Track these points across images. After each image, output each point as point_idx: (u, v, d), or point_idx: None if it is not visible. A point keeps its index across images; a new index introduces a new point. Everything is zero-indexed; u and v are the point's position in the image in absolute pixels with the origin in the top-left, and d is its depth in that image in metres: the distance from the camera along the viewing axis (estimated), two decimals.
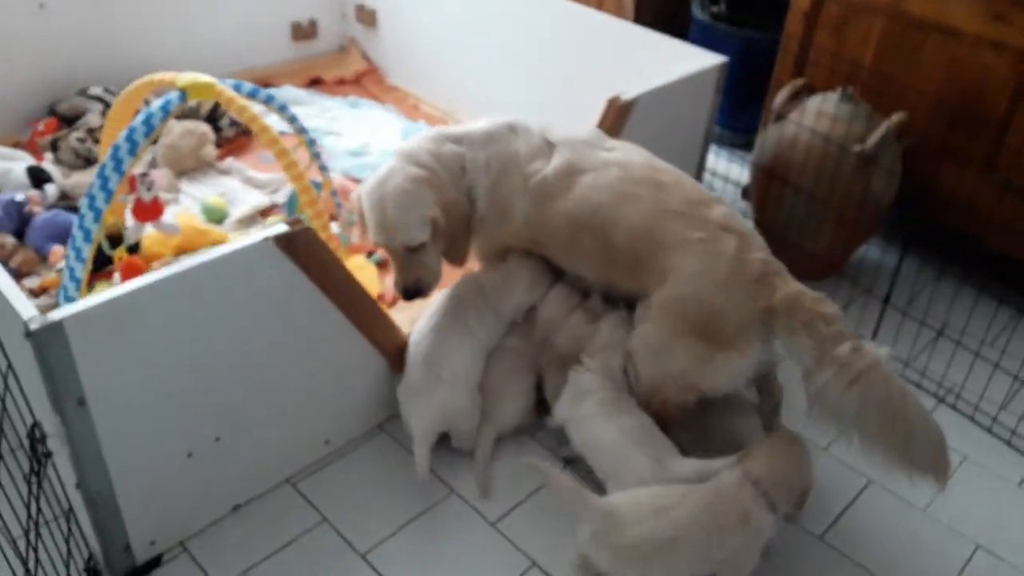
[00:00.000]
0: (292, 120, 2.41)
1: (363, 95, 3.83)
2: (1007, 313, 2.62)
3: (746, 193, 3.27)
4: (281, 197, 2.96)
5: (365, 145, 3.38)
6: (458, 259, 2.12)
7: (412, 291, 2.05)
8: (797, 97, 2.74)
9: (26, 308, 1.48)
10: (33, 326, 1.44)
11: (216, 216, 2.81)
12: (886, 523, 2.04)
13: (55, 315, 1.46)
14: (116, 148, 1.96)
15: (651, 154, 2.15)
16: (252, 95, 2.29)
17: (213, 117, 3.23)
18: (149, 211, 2.24)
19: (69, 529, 1.68)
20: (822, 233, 2.69)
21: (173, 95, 2.05)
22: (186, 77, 2.07)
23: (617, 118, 2.34)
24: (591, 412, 1.97)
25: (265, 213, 2.93)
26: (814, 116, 2.62)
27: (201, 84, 2.06)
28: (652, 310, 1.96)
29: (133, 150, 1.95)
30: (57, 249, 2.49)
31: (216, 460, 1.85)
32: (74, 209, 2.65)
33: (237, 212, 2.85)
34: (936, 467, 1.72)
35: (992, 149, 2.57)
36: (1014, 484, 2.18)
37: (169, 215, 2.53)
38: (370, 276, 2.58)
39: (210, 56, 3.45)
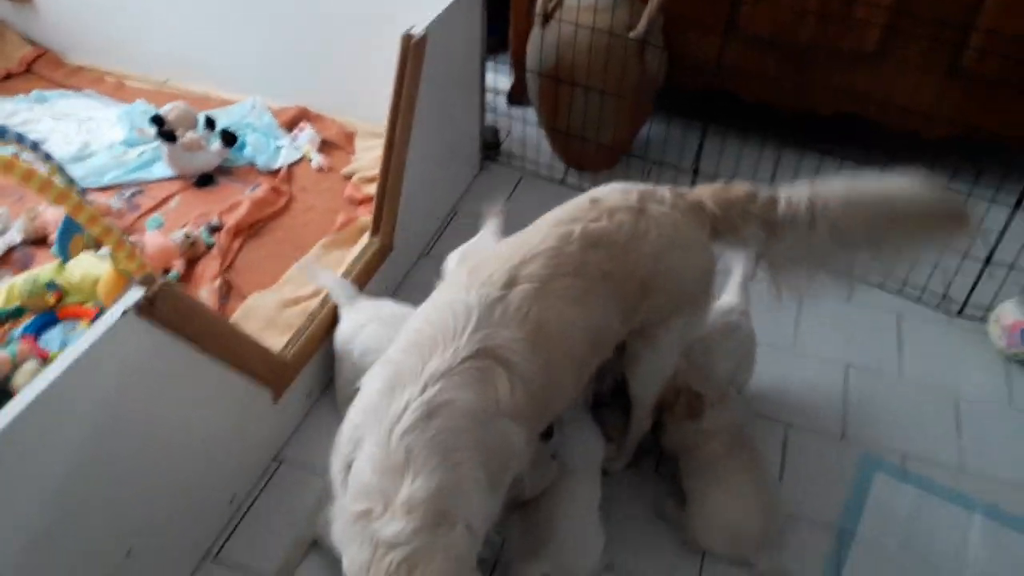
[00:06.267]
0: (35, 147, 1.91)
1: (45, 86, 3.16)
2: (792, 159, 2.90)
3: (511, 97, 3.25)
4: (16, 235, 2.39)
5: (84, 146, 2.82)
6: None
7: None
8: None
9: None
10: None
11: None
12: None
13: None
14: None
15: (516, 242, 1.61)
16: None
17: None
18: None
19: None
20: (610, 124, 2.76)
21: None
22: None
23: (416, 59, 2.15)
24: None
25: (3, 260, 2.35)
26: (579, 11, 2.61)
27: None
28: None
29: None
30: None
31: (134, 571, 1.51)
32: None
33: None
34: (954, 216, 1.69)
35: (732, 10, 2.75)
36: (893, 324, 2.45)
37: None
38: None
39: None
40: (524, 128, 3.05)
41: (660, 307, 1.66)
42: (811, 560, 1.83)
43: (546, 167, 2.95)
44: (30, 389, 1.23)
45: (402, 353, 1.38)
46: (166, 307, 1.41)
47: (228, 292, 2.29)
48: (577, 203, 1.66)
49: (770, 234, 1.72)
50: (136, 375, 1.43)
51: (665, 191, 1.70)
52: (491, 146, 2.97)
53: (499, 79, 3.23)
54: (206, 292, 2.25)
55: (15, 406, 1.20)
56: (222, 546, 1.78)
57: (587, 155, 2.88)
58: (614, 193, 1.67)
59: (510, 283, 1.46)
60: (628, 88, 2.65)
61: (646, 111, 2.88)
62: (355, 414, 1.37)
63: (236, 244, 2.45)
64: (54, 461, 1.29)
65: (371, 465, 1.25)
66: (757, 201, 1.72)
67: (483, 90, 2.77)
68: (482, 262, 1.52)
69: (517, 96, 3.23)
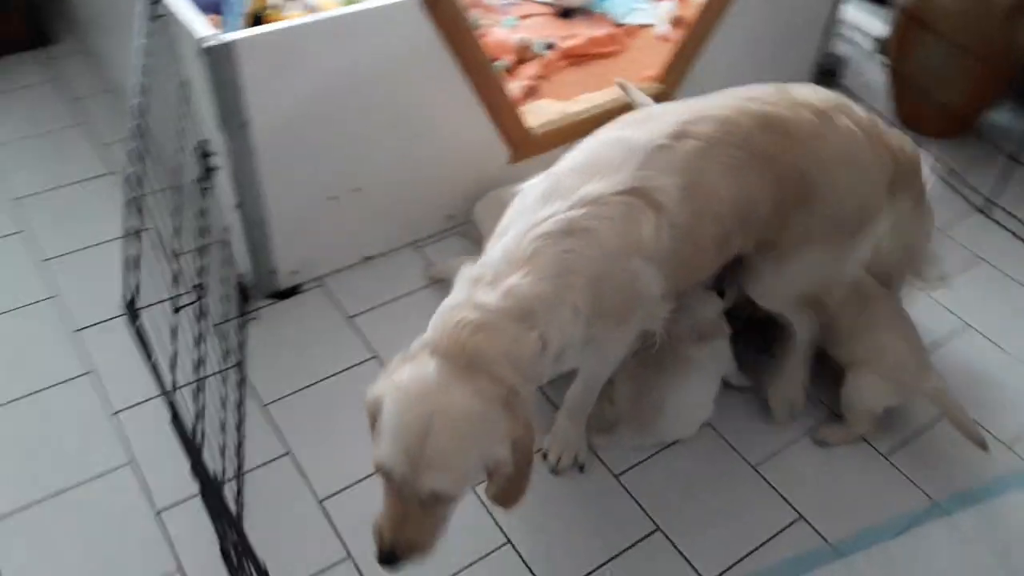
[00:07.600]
0: None
1: None
2: None
3: (883, 47, 3.18)
4: None
5: None
6: (513, 501, 1.40)
7: (390, 556, 1.28)
8: None
9: (202, 26, 1.64)
10: (208, 43, 1.61)
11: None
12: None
13: (228, 36, 1.62)
14: None
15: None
16: None
17: None
18: None
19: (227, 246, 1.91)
20: (959, 86, 2.62)
21: None
22: None
23: None
24: None
25: None
26: None
27: None
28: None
29: None
30: (214, 18, 2.65)
31: (355, 209, 2.04)
32: None
33: None
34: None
35: None
36: None
37: None
38: None
39: None
40: (875, 76, 3.01)
41: (807, 223, 1.65)
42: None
43: None
44: (312, 15, 1.74)
45: (564, 171, 1.50)
46: (448, 11, 1.84)
47: (530, 93, 2.72)
48: (765, 87, 1.68)
49: (912, 209, 1.76)
50: (400, 61, 1.89)
51: (861, 111, 1.67)
52: (826, 74, 2.99)
53: (876, 24, 3.19)
54: (515, 84, 2.69)
55: (296, 21, 1.72)
56: (427, 245, 2.25)
57: (923, 113, 2.78)
58: (806, 89, 1.68)
59: (679, 135, 1.50)
60: (985, 51, 2.50)
61: (1000, 87, 2.67)
62: (512, 212, 1.51)
63: (559, 64, 2.85)
64: (321, 79, 1.80)
65: (502, 250, 1.39)
66: (921, 174, 1.71)
67: (833, 18, 2.80)
68: (656, 112, 1.62)
69: (885, 46, 3.15)
